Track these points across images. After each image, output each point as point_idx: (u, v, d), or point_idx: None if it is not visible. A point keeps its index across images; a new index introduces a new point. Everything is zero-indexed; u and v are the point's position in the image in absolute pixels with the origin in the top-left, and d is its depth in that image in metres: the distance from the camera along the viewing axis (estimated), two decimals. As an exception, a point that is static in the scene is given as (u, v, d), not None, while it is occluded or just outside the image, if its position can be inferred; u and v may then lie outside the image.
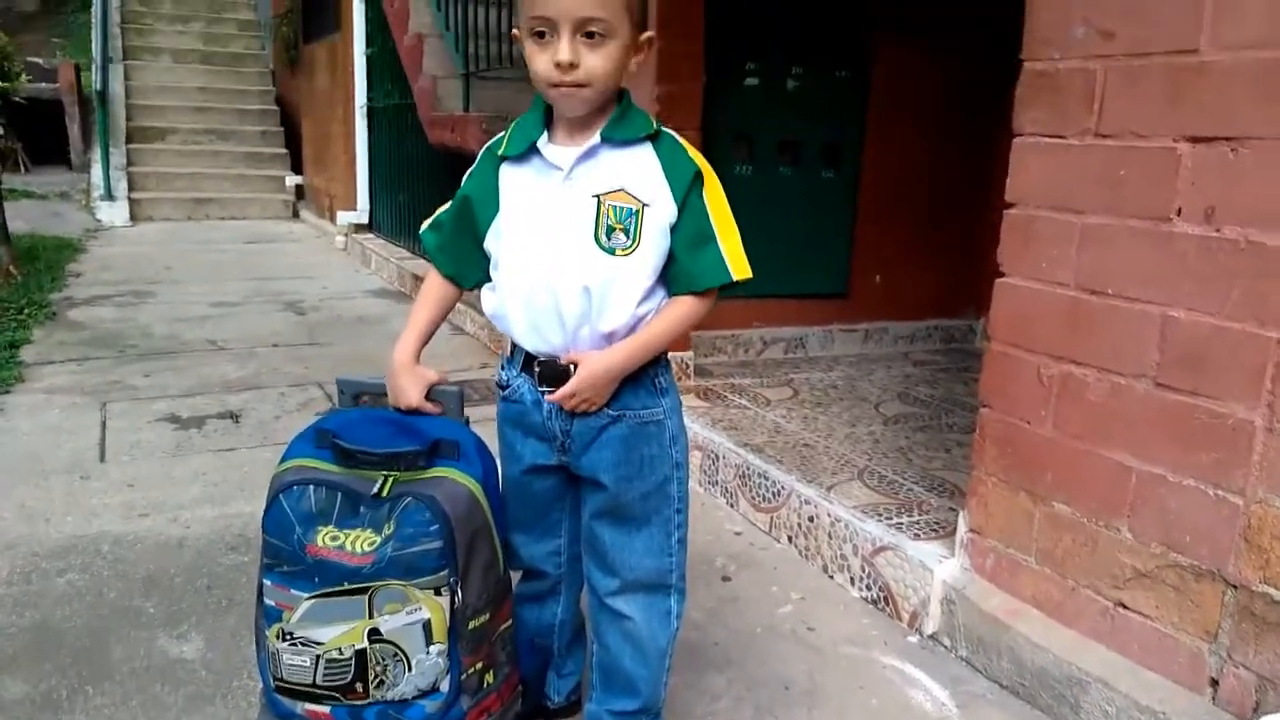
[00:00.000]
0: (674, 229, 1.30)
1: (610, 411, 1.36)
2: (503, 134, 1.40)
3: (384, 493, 1.30)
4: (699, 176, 1.31)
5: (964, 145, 3.91)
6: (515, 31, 1.32)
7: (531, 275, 1.32)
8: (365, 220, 7.57)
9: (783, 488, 2.43)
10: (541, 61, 1.25)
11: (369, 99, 7.24)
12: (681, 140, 1.35)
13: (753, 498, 2.54)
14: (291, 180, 9.81)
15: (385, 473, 1.33)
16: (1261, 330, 1.40)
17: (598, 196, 1.29)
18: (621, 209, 1.29)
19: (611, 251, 1.29)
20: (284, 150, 10.22)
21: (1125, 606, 1.65)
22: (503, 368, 1.45)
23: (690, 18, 3.00)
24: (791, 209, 3.68)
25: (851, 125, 3.76)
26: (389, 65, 6.46)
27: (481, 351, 4.38)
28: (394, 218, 6.96)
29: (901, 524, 2.18)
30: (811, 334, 3.89)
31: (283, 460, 1.39)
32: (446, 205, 1.47)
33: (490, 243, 1.38)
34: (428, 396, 1.41)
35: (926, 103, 3.82)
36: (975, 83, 3.84)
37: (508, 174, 1.37)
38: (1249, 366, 1.41)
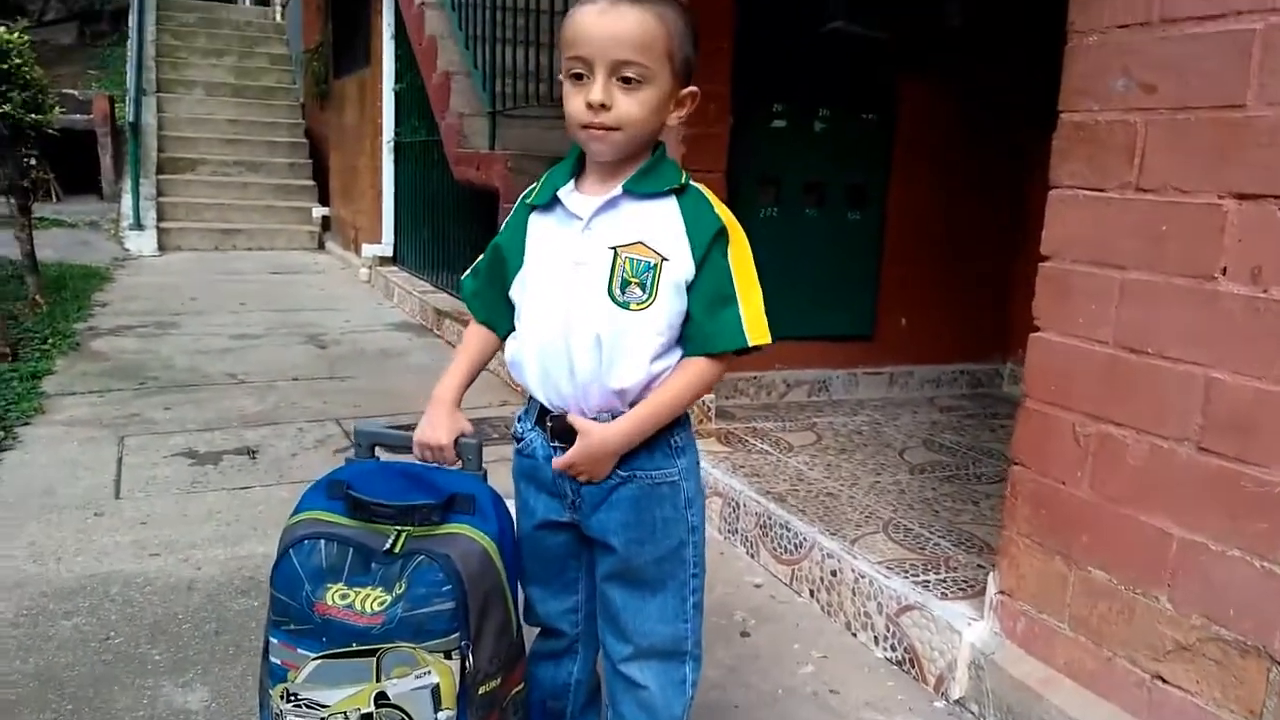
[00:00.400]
0: (691, 287, 1.26)
1: (620, 472, 1.31)
2: (530, 188, 1.38)
3: (397, 548, 1.26)
4: (723, 233, 1.27)
5: (990, 188, 3.88)
6: (562, 77, 1.31)
7: (546, 325, 1.30)
8: (390, 253, 7.60)
9: (805, 539, 2.37)
10: (575, 102, 1.24)
11: (396, 134, 7.29)
12: (709, 195, 1.31)
13: (774, 548, 2.48)
14: (318, 212, 9.89)
15: (398, 527, 1.29)
16: (1313, 397, 1.34)
17: (614, 248, 1.26)
18: (639, 262, 1.25)
19: (625, 305, 1.25)
20: (312, 182, 10.32)
21: (1164, 680, 1.57)
22: (519, 419, 1.41)
23: (718, 59, 2.99)
24: (817, 251, 3.64)
25: (877, 167, 3.72)
26: (417, 101, 6.51)
27: (501, 389, 4.34)
28: (418, 251, 6.98)
29: (928, 582, 2.12)
30: (835, 377, 3.83)
31: (295, 513, 1.35)
32: (485, 253, 1.45)
33: (515, 292, 1.36)
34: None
35: (952, 146, 3.78)
36: (1001, 126, 3.81)
37: (534, 223, 1.36)
38: (1300, 434, 1.35)
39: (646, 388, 1.28)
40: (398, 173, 7.39)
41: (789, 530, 2.43)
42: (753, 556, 2.58)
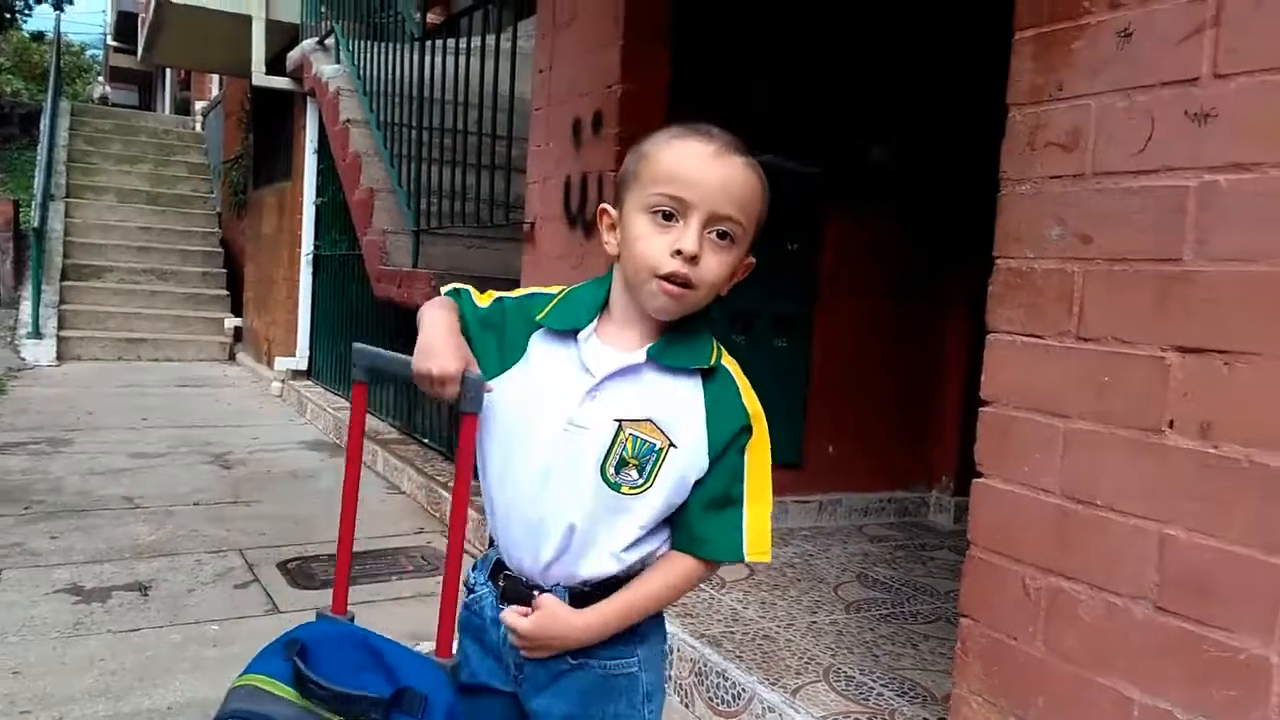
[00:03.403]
0: (699, 483, 1.13)
1: (570, 658, 1.16)
2: (541, 292, 1.23)
3: (329, 744, 1.11)
4: (747, 430, 1.14)
5: (914, 317, 3.94)
6: (606, 208, 1.18)
7: (522, 484, 1.14)
8: (304, 367, 7.39)
9: (743, 690, 2.24)
10: (658, 245, 1.08)
11: (316, 246, 7.18)
12: (738, 377, 1.17)
13: (710, 699, 2.34)
14: (230, 323, 9.63)
15: (338, 716, 1.13)
16: (1271, 559, 1.30)
17: (620, 422, 1.11)
18: (643, 443, 1.11)
19: (616, 488, 1.11)
20: (225, 292, 10.08)
21: None
22: (475, 566, 1.26)
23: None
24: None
25: (804, 297, 3.75)
26: (338, 215, 6.43)
27: (418, 514, 4.15)
28: (334, 366, 6.79)
29: (873, 737, 2.01)
30: (764, 505, 3.75)
31: (243, 672, 1.18)
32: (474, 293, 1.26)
33: (494, 400, 1.16)
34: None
35: (876, 276, 3.85)
36: (925, 258, 3.91)
37: (539, 346, 1.18)
38: (1261, 598, 1.31)
39: (611, 581, 1.14)
40: (315, 285, 7.24)
41: (726, 679, 2.30)
42: (687, 707, 2.43)
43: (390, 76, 5.40)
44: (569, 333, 1.16)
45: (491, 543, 1.23)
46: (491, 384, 1.15)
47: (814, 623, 2.69)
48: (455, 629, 1.24)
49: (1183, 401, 1.42)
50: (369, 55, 5.82)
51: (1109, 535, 1.51)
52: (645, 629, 1.19)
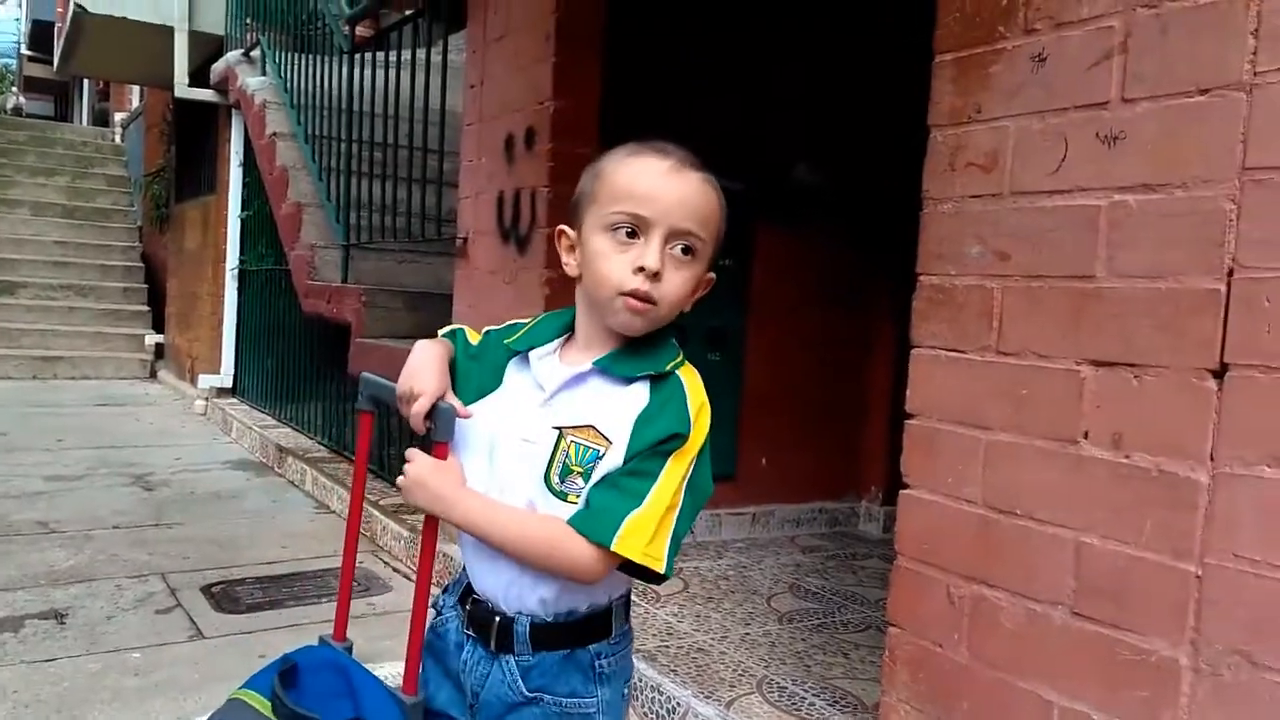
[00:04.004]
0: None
1: (526, 689, 1.14)
2: (520, 321, 1.26)
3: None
4: (678, 438, 1.09)
5: (844, 331, 4.02)
6: (564, 229, 1.18)
7: None
8: (229, 384, 7.21)
9: (678, 704, 2.25)
10: (619, 264, 1.09)
11: (241, 261, 7.03)
12: (691, 389, 1.13)
13: (645, 713, 2.34)
14: (152, 339, 9.36)
15: None
16: (1179, 564, 1.35)
17: (560, 429, 1.11)
18: (585, 449, 1.10)
19: (563, 497, 1.10)
20: (146, 308, 9.80)
21: None
22: (446, 588, 1.26)
23: (580, 205, 2.99)
24: (678, 392, 3.64)
25: (735, 311, 3.79)
26: (265, 229, 6.31)
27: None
28: (260, 383, 6.65)
29: (806, 747, 2.03)
30: (699, 518, 3.77)
31: (240, 686, 1.18)
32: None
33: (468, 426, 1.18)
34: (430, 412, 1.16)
35: (806, 290, 3.92)
36: (852, 272, 3.99)
37: (511, 373, 1.21)
38: (1170, 601, 1.36)
39: (571, 603, 1.14)
40: (241, 301, 7.08)
41: (661, 693, 2.30)
42: (621, 722, 2.43)
43: (318, 89, 5.33)
44: (528, 354, 1.19)
45: (462, 571, 1.23)
46: (469, 409, 1.17)
47: (748, 634, 2.71)
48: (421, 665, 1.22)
49: (1096, 413, 1.47)
50: (296, 68, 5.74)
51: (1029, 543, 1.56)
52: (609, 670, 1.17)
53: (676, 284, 1.10)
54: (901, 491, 1.79)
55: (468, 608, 1.19)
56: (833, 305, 3.98)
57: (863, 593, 3.19)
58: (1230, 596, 1.31)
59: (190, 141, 8.41)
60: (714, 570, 3.35)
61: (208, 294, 7.74)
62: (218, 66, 7.01)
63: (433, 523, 1.19)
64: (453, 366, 1.23)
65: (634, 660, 2.38)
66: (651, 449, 1.08)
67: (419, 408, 1.14)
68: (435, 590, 1.22)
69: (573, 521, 1.08)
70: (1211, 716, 1.33)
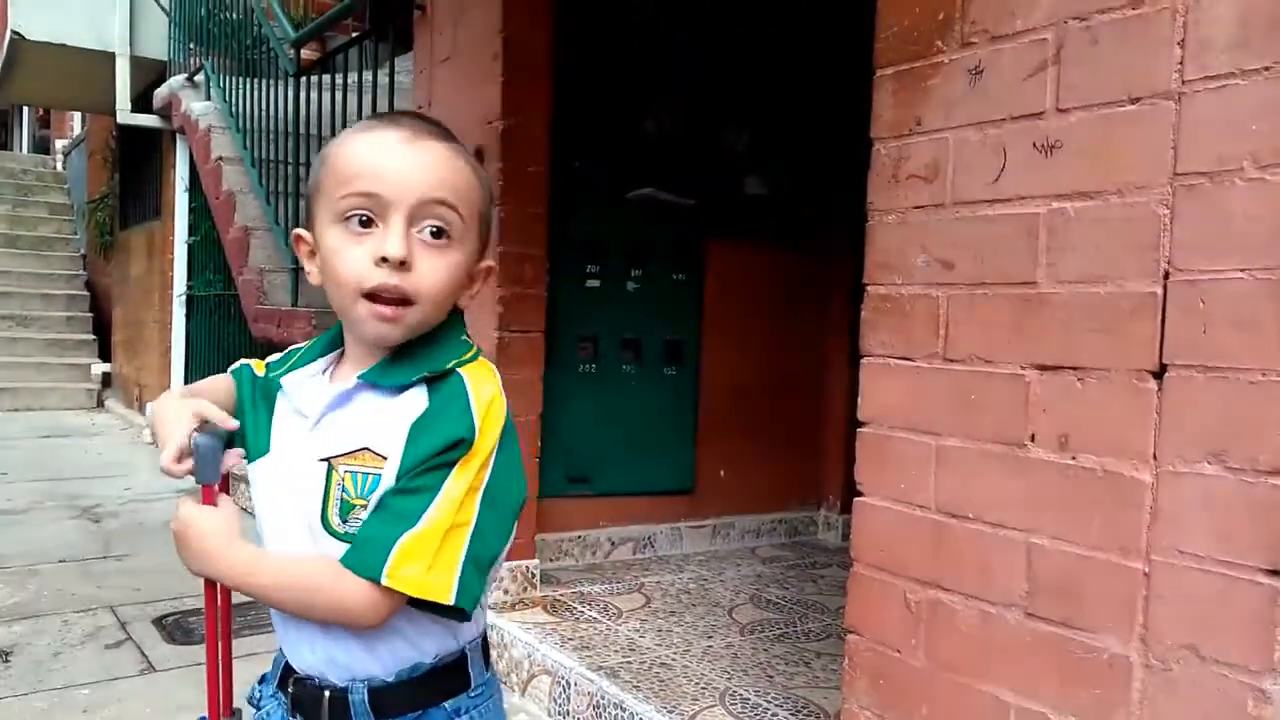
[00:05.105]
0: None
1: None
2: (299, 347, 1.11)
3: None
4: (462, 444, 0.92)
5: (798, 341, 4.05)
6: (300, 233, 1.01)
7: None
8: (179, 412, 7.07)
9: (641, 720, 2.24)
10: (356, 256, 0.92)
11: (189, 287, 6.92)
12: (476, 386, 0.95)
13: (609, 731, 2.33)
14: (98, 369, 9.17)
15: None
16: (1126, 561, 1.38)
17: (328, 460, 0.94)
18: (364, 477, 0.93)
19: (348, 539, 0.93)
20: (92, 337, 9.61)
21: None
22: (262, 679, 1.10)
23: (534, 224, 3.00)
24: (635, 406, 3.65)
25: (690, 325, 3.82)
26: (212, 254, 6.23)
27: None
28: (212, 411, 6.53)
29: (770, 758, 2.03)
30: (660, 532, 3.78)
31: None
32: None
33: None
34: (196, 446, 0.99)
35: (757, 303, 3.95)
36: (806, 284, 4.03)
37: (279, 404, 1.04)
38: (1119, 599, 1.39)
39: (396, 656, 0.98)
40: (190, 327, 6.97)
41: (624, 710, 2.29)
42: (586, 741, 2.41)
43: (264, 113, 5.28)
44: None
45: (277, 654, 1.08)
46: (240, 450, 1.02)
47: (710, 647, 2.71)
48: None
49: (1042, 416, 1.50)
50: (242, 92, 5.68)
51: (981, 547, 1.58)
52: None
53: (433, 273, 0.93)
54: (856, 499, 1.81)
55: (290, 690, 1.02)
56: (787, 317, 4.02)
57: (823, 601, 3.21)
58: (1176, 592, 1.34)
59: (134, 167, 8.28)
60: (675, 584, 3.35)
61: (155, 321, 7.61)
62: (161, 92, 6.92)
63: (211, 585, 1.03)
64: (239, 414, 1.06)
65: (593, 676, 2.36)
66: (428, 460, 0.91)
67: (164, 458, 0.98)
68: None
69: (343, 558, 0.92)
70: (1162, 711, 1.35)
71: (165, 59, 7.20)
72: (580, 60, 3.33)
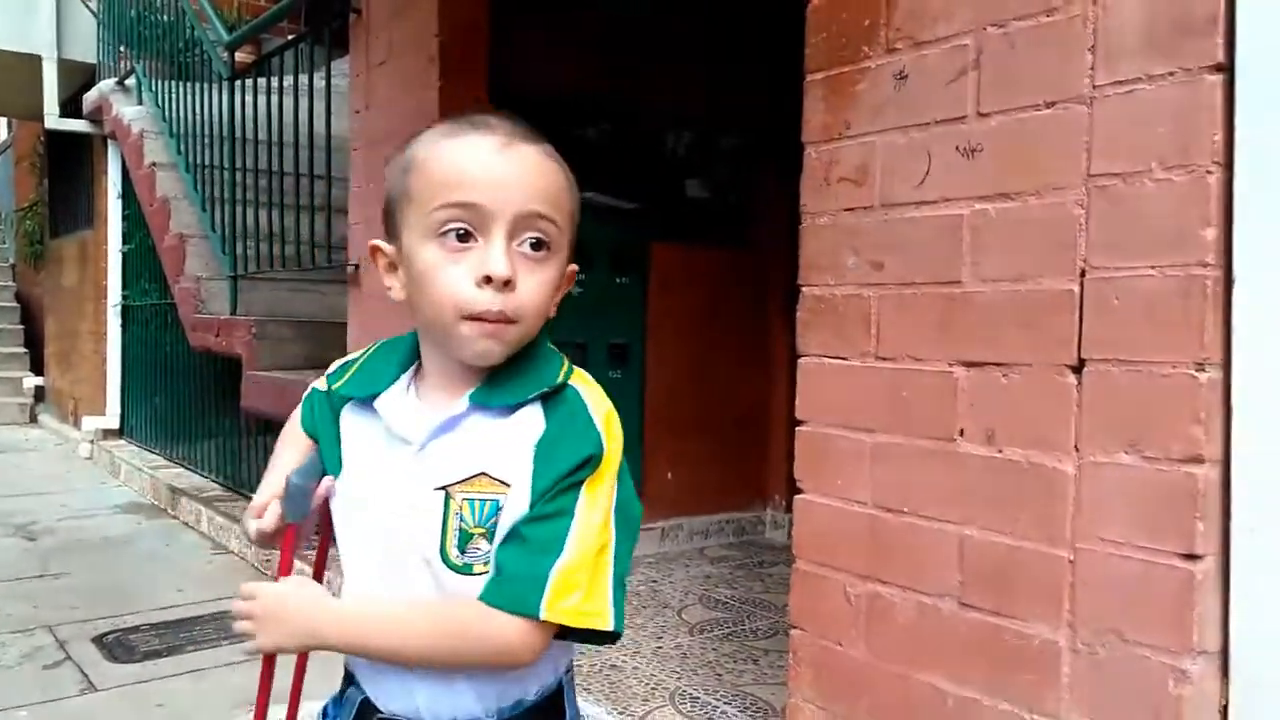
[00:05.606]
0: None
1: None
2: (349, 358, 1.03)
3: None
4: (592, 462, 0.88)
5: (741, 343, 4.09)
6: (379, 244, 0.95)
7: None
8: (116, 425, 6.92)
9: (591, 722, 2.25)
10: (457, 276, 0.86)
11: (124, 297, 6.77)
12: (591, 399, 0.92)
13: (559, 734, 2.34)
14: (30, 382, 8.92)
15: None
16: (1053, 550, 1.43)
17: (445, 489, 0.88)
18: (483, 504, 0.88)
19: (468, 571, 0.88)
20: (23, 349, 9.33)
21: (954, 838, 1.58)
22: (325, 712, 1.03)
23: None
24: (581, 410, 3.66)
25: (635, 328, 3.84)
26: (148, 262, 6.10)
27: (248, 574, 3.95)
28: (150, 423, 6.40)
29: (718, 754, 2.06)
30: (608, 535, 3.79)
31: None
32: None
33: (335, 506, 0.99)
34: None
35: (701, 305, 3.99)
36: (748, 286, 4.07)
37: (350, 424, 0.98)
38: (1047, 586, 1.43)
39: (495, 691, 0.94)
40: (126, 338, 6.82)
41: (573, 713, 2.30)
42: (536, 744, 2.42)
43: (199, 117, 5.19)
44: (370, 400, 0.97)
45: (350, 680, 1.00)
46: (330, 480, 0.97)
47: (659, 648, 2.74)
48: None
49: (970, 411, 1.54)
50: (175, 96, 5.57)
51: (916, 540, 1.62)
52: None
53: (535, 289, 0.89)
54: (796, 496, 1.84)
55: None
56: (730, 317, 4.06)
57: (770, 599, 3.25)
58: (1100, 578, 1.39)
59: (64, 174, 8.07)
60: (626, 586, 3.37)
61: (89, 332, 7.43)
62: (90, 96, 6.76)
63: (270, 660, 0.97)
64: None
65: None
66: (560, 482, 0.87)
67: (263, 524, 0.96)
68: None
69: (485, 596, 0.87)
70: (1090, 693, 1.40)
71: (95, 62, 7.03)
72: (518, 64, 3.33)
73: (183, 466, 5.66)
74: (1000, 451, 1.50)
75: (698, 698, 2.38)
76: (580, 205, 0.97)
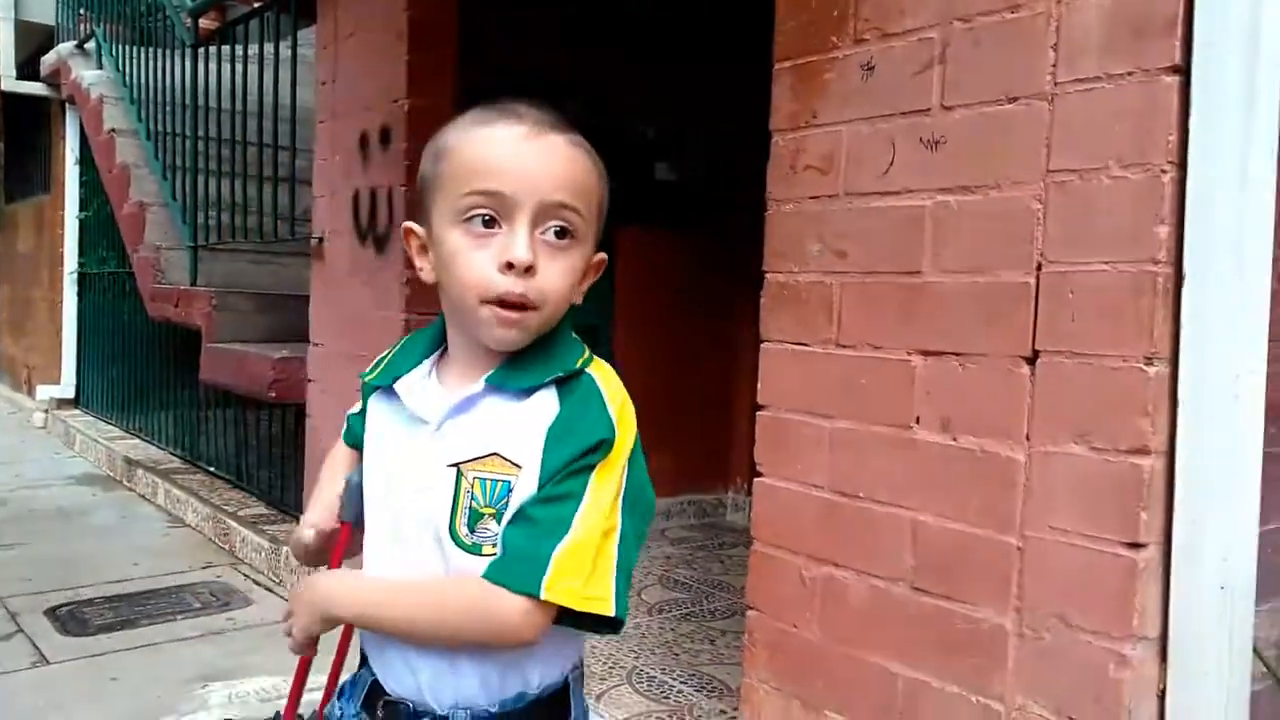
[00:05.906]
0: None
1: None
2: (380, 357, 1.06)
3: None
4: (603, 446, 0.89)
5: (707, 328, 4.12)
6: (411, 226, 0.98)
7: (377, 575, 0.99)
8: (71, 395, 6.82)
9: (548, 699, 2.27)
10: (481, 261, 0.88)
11: (81, 264, 6.66)
12: (606, 386, 0.93)
13: (516, 711, 2.36)
14: (-18, 350, 8.75)
15: None
16: (1003, 537, 1.46)
17: (458, 466, 0.90)
18: (494, 484, 0.90)
19: (477, 550, 0.89)
20: (-25, 316, 9.14)
21: (901, 815, 1.62)
22: (340, 693, 1.03)
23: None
24: (546, 390, 3.67)
25: (602, 311, 3.84)
26: (106, 230, 5.99)
27: (205, 548, 3.92)
28: (106, 393, 6.31)
29: (673, 732, 2.09)
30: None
31: None
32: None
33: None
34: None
35: (668, 289, 4.01)
36: (714, 271, 4.09)
37: (375, 410, 1.01)
38: (996, 572, 1.47)
39: (501, 676, 0.94)
40: (82, 306, 6.72)
41: (530, 690, 2.32)
42: None
43: (161, 84, 5.09)
44: (392, 386, 0.99)
45: (364, 661, 1.02)
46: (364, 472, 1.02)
47: (617, 627, 2.76)
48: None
49: (926, 399, 1.57)
50: (136, 61, 5.47)
51: (871, 524, 1.65)
52: None
53: (556, 277, 0.91)
54: (756, 480, 1.87)
55: (380, 714, 0.97)
56: (696, 303, 4.08)
57: (729, 580, 3.28)
58: (1047, 565, 1.42)
59: (20, 138, 7.89)
60: (584, 565, 3.39)
61: (44, 299, 7.30)
62: (49, 58, 6.61)
63: (305, 661, 1.02)
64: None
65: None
66: (570, 465, 0.88)
67: (321, 522, 1.03)
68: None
69: (488, 574, 0.87)
70: (1035, 676, 1.44)
71: (53, 24, 6.88)
72: (487, 42, 3.31)
73: (139, 438, 5.59)
74: (955, 439, 1.53)
75: (654, 677, 2.41)
76: (609, 194, 0.99)
